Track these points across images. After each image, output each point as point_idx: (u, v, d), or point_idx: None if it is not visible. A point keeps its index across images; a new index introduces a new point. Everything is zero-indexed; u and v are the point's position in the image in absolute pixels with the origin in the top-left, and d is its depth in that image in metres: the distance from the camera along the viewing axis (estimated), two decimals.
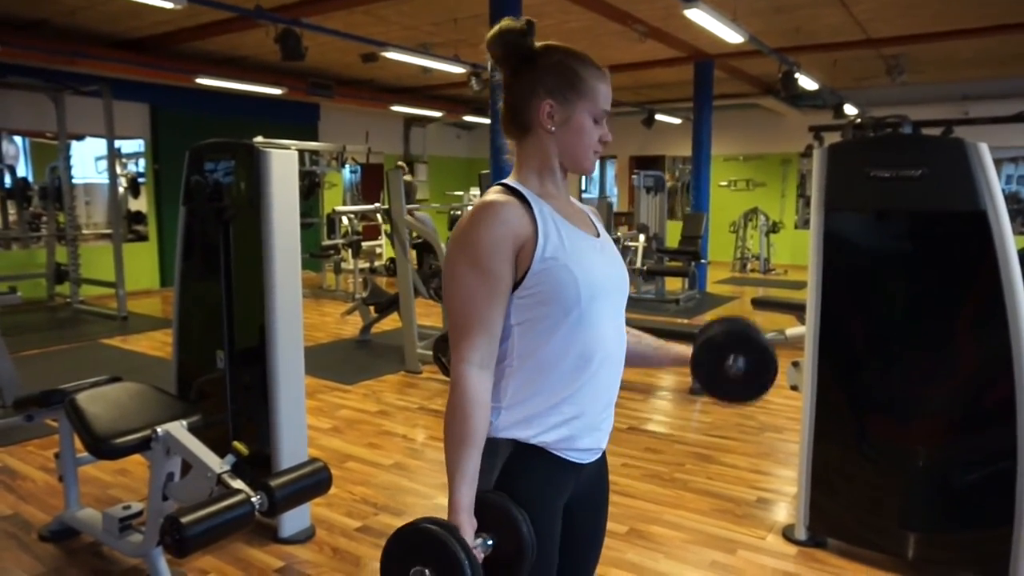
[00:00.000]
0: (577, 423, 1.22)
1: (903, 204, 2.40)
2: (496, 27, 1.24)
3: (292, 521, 2.80)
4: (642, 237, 8.53)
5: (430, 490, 3.32)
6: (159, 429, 2.32)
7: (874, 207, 2.48)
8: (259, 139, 8.15)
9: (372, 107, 11.32)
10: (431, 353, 5.12)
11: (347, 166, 12.81)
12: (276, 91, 8.86)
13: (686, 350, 1.48)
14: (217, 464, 2.22)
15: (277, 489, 2.12)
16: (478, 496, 1.15)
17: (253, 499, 2.06)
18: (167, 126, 9.28)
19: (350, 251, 8.65)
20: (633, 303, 8.44)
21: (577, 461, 1.24)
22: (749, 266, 11.67)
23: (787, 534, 2.81)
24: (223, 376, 2.91)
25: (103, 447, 2.29)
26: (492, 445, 1.20)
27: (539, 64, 1.23)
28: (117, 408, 2.45)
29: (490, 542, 1.13)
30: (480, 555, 1.10)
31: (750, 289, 9.61)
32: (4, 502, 3.16)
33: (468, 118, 12.50)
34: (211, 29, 7.15)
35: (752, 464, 3.56)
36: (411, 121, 13.44)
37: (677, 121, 11.96)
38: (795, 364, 2.81)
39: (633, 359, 1.40)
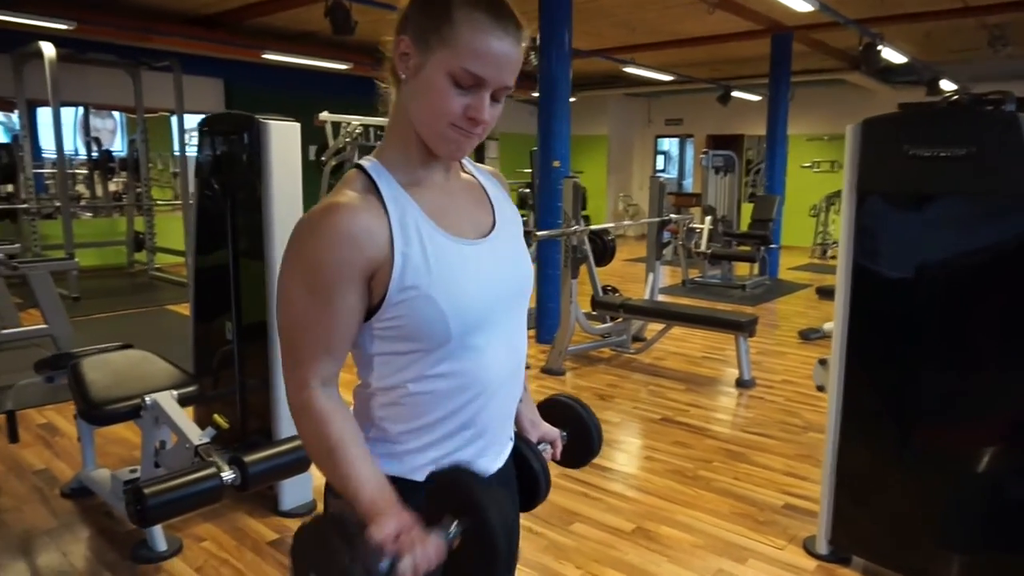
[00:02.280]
0: (460, 455, 1.03)
1: (946, 186, 2.11)
2: None
3: (293, 494, 2.80)
4: (708, 219, 8.17)
5: None
6: (148, 398, 2.34)
7: (913, 190, 2.19)
8: (324, 114, 8.28)
9: None
10: None
11: None
12: (342, 66, 8.94)
13: (531, 420, 1.28)
14: (196, 436, 2.21)
15: (250, 465, 2.09)
16: (434, 475, 0.96)
17: (224, 474, 2.04)
18: (240, 101, 9.53)
19: None
20: (698, 288, 8.13)
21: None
22: (829, 252, 11.01)
23: (807, 546, 2.58)
24: (231, 348, 2.92)
25: (95, 413, 2.34)
26: None
27: None
28: (115, 375, 2.49)
29: (456, 529, 0.90)
30: (442, 547, 0.89)
31: (830, 277, 9.06)
32: (40, 457, 3.32)
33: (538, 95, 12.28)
34: (276, 4, 7.24)
35: (787, 466, 3.31)
36: None
37: (756, 98, 11.34)
38: (822, 362, 2.56)
39: None
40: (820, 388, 2.59)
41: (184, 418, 2.29)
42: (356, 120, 8.50)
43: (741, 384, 4.51)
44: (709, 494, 3.03)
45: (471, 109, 0.91)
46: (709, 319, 4.58)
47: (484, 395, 1.02)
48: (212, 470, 2.02)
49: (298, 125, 2.70)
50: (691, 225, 8.30)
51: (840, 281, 2.41)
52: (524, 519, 2.57)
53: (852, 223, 2.36)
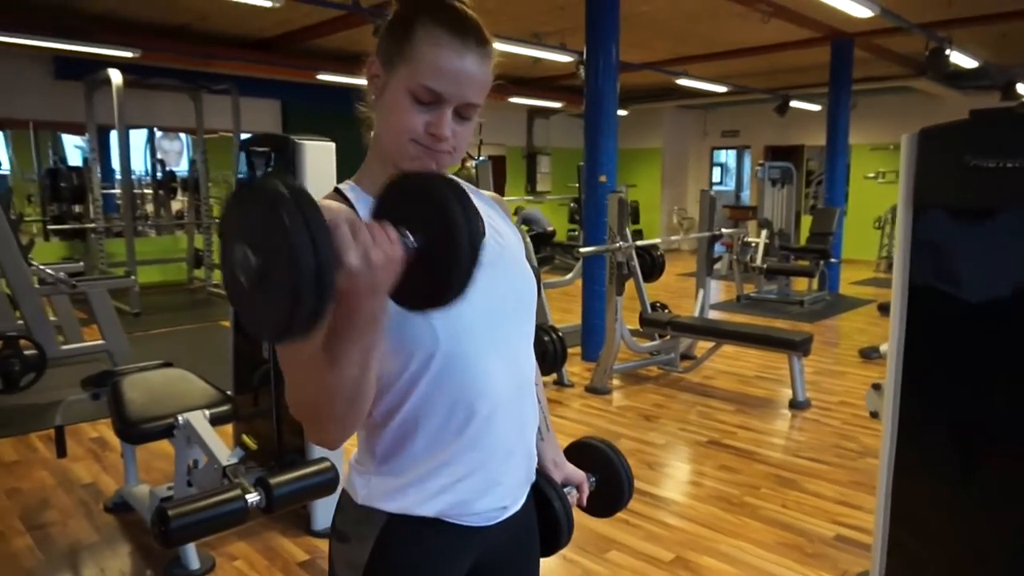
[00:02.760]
0: (465, 485, 0.97)
1: (1012, 200, 1.95)
2: None
3: (325, 514, 2.78)
4: (764, 233, 7.93)
5: None
6: (180, 417, 2.36)
7: (975, 203, 2.03)
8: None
9: (492, 99, 11.33)
10: None
11: (482, 158, 13.08)
12: None
13: (553, 459, 1.21)
14: (225, 456, 2.21)
15: (275, 487, 2.07)
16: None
17: (249, 496, 2.03)
18: (296, 121, 9.81)
19: None
20: (753, 304, 7.88)
21: (476, 525, 1.00)
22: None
23: None
24: (268, 366, 2.93)
25: (130, 431, 2.37)
26: (363, 514, 0.98)
27: (394, 15, 0.93)
28: (151, 394, 2.53)
29: (411, 243, 0.75)
30: (399, 250, 0.73)
31: None
32: (88, 471, 3.41)
33: None
34: (329, 27, 7.41)
35: (840, 494, 3.12)
36: (534, 113, 13.37)
37: (816, 108, 10.99)
38: (875, 387, 2.39)
39: None
40: (873, 414, 2.42)
41: (214, 438, 2.30)
42: None
43: (795, 406, 4.31)
44: (755, 523, 2.88)
45: (431, 125, 0.89)
46: (760, 337, 4.41)
47: (487, 414, 0.96)
48: (237, 492, 2.01)
49: (332, 145, 2.71)
50: (746, 239, 8.08)
51: (895, 300, 2.25)
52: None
53: (908, 239, 2.20)
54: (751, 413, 4.25)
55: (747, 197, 14.36)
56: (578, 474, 1.23)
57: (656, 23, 7.48)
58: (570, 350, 5.42)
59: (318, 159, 2.64)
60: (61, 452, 3.06)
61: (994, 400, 2.06)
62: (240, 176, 3.03)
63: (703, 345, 5.16)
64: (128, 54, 6.75)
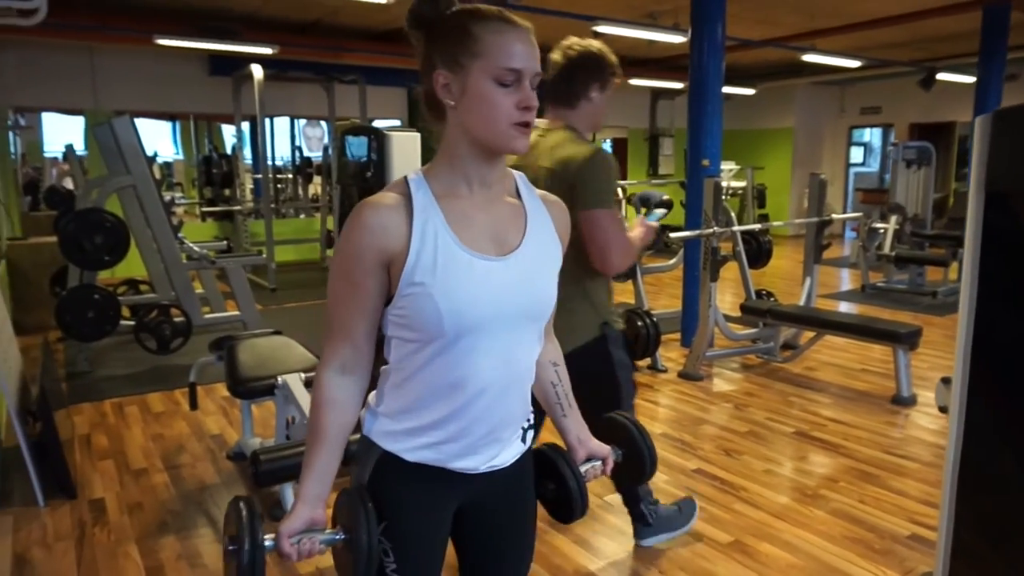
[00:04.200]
0: (446, 448, 1.14)
1: None
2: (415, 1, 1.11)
3: None
4: (893, 219, 7.43)
5: None
6: (280, 378, 2.69)
7: None
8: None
9: None
10: None
11: (606, 141, 13.08)
12: None
13: (578, 436, 1.35)
14: None
15: (352, 443, 2.34)
16: (341, 492, 1.15)
17: None
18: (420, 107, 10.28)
19: None
20: (879, 294, 7.43)
21: (462, 472, 1.17)
22: None
23: None
24: None
25: (239, 388, 2.74)
26: (367, 443, 1.19)
27: (435, 32, 1.08)
28: (259, 357, 2.89)
29: (339, 536, 1.12)
30: (320, 548, 1.11)
31: None
32: (217, 424, 3.91)
33: None
34: None
35: (924, 493, 3.00)
36: (658, 94, 13.12)
37: (969, 80, 10.02)
38: (945, 380, 2.30)
39: (541, 398, 1.34)
40: (943, 409, 2.33)
41: (307, 398, 2.61)
42: None
43: (897, 401, 4.10)
44: (825, 515, 2.84)
45: (521, 101, 1.05)
46: (862, 328, 4.22)
47: (472, 397, 1.11)
48: None
49: (417, 135, 2.94)
50: (873, 224, 7.61)
51: (965, 291, 2.16)
52: (619, 521, 2.61)
53: (979, 227, 2.10)
54: (848, 407, 4.10)
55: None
56: (603, 448, 1.35)
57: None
58: (671, 335, 5.45)
59: (404, 146, 2.87)
60: (193, 405, 3.55)
61: None
62: (344, 158, 3.32)
63: (809, 335, 4.99)
64: (268, 51, 7.40)
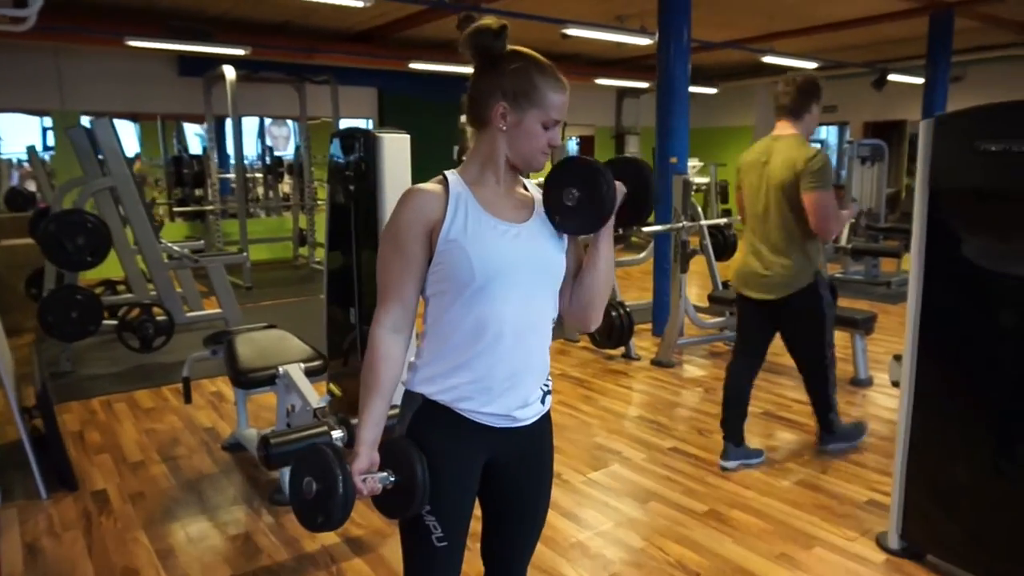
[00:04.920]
0: (472, 387, 1.34)
1: (1016, 182, 2.07)
2: (472, 27, 1.35)
3: None
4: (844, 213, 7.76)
5: None
6: (281, 368, 2.82)
7: (982, 186, 2.16)
8: (464, 117, 8.83)
9: (578, 80, 11.52)
10: None
11: (572, 139, 13.34)
12: None
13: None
14: (315, 400, 2.65)
15: (355, 426, 2.49)
16: (391, 440, 1.35)
17: (333, 432, 2.45)
18: (391, 107, 10.37)
19: None
20: (838, 285, 7.74)
21: (487, 424, 1.36)
22: None
23: (880, 540, 2.59)
24: (355, 330, 3.38)
25: (241, 379, 2.86)
26: (408, 396, 1.40)
27: (502, 68, 1.33)
28: (259, 349, 3.02)
29: (392, 478, 1.31)
30: (379, 487, 1.30)
31: None
32: (208, 417, 4.00)
33: None
34: (420, 18, 7.85)
35: (881, 464, 3.25)
36: (624, 93, 13.41)
37: (919, 80, 10.49)
38: (896, 358, 2.54)
39: (587, 299, 1.44)
40: (895, 384, 2.58)
41: (308, 386, 2.75)
42: None
43: (855, 383, 4.39)
44: (792, 485, 3.08)
45: (552, 139, 1.37)
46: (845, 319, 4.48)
47: (494, 338, 1.33)
48: (324, 428, 2.43)
49: (408, 137, 3.07)
50: None
51: (913, 277, 2.40)
52: (603, 495, 2.81)
53: (924, 220, 2.35)
54: None
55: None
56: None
57: (737, 1, 7.46)
58: (643, 326, 5.68)
59: (394, 148, 3.01)
60: (187, 399, 3.64)
61: (1006, 369, 2.19)
62: (333, 159, 3.44)
63: None
64: (240, 51, 7.44)
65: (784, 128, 2.96)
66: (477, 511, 1.47)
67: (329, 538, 2.69)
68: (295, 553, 2.60)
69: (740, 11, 8.02)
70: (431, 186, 1.36)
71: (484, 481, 1.44)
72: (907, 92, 11.04)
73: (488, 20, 1.34)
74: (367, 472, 1.30)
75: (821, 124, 14.12)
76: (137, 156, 9.18)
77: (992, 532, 2.25)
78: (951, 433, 2.37)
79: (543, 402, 1.44)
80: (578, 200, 1.36)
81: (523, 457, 1.45)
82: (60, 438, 3.11)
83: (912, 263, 2.40)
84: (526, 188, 1.46)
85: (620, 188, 1.39)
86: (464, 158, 1.43)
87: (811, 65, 9.86)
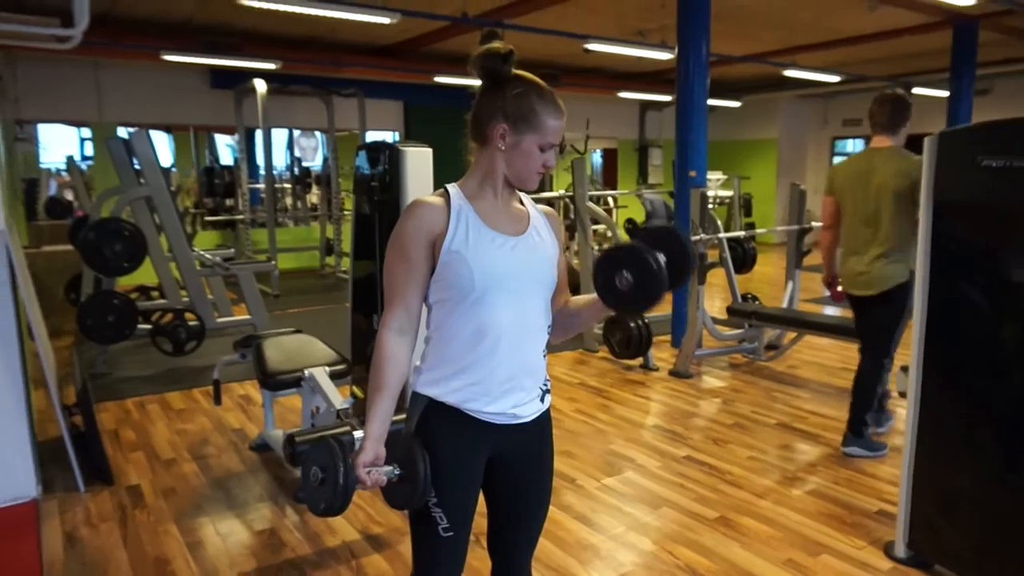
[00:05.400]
0: (473, 389, 1.43)
1: (1016, 197, 2.13)
2: (481, 49, 1.45)
3: None
4: None
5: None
6: (307, 371, 2.95)
7: (984, 200, 2.22)
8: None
9: (601, 93, 11.63)
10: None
11: (596, 152, 13.46)
12: None
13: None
14: (339, 402, 2.77)
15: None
16: (396, 436, 1.44)
17: (356, 433, 2.57)
18: (416, 119, 10.56)
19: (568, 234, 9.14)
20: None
21: (490, 421, 1.45)
22: None
23: (888, 549, 2.63)
24: None
25: (269, 381, 2.99)
26: (415, 397, 1.49)
27: (505, 91, 1.41)
28: (286, 353, 3.15)
29: (397, 471, 1.41)
30: (383, 479, 1.39)
31: None
32: (237, 419, 4.15)
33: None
34: (445, 33, 8.02)
35: (894, 476, 3.28)
36: (647, 106, 13.49)
37: (944, 94, 10.44)
38: (904, 369, 2.59)
39: (570, 326, 1.58)
40: (902, 394, 2.62)
41: (332, 388, 2.87)
42: None
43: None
44: (803, 494, 3.13)
45: (547, 161, 1.46)
46: (838, 328, 4.51)
47: (493, 343, 1.42)
48: (347, 428, 2.56)
49: (430, 151, 3.19)
50: None
51: (919, 289, 2.46)
52: (616, 500, 2.90)
53: (929, 233, 2.41)
54: (827, 401, 4.40)
55: None
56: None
57: (757, 15, 7.52)
58: (663, 337, 5.75)
59: (416, 162, 3.13)
60: (217, 401, 3.79)
61: (1011, 380, 2.24)
62: (359, 171, 3.58)
63: (791, 335, 5.29)
64: (271, 65, 7.66)
65: (881, 141, 3.28)
66: (483, 508, 1.57)
67: (350, 534, 2.80)
68: (317, 548, 2.71)
69: (761, 25, 8.08)
70: (434, 199, 1.45)
71: (488, 476, 1.53)
72: (932, 106, 10.95)
73: (497, 45, 1.42)
74: (372, 465, 1.38)
75: (846, 137, 14.09)
76: (171, 168, 9.46)
77: (997, 542, 2.28)
78: (957, 444, 2.41)
79: (542, 400, 1.53)
80: (632, 284, 1.38)
81: (525, 452, 1.54)
82: (98, 435, 3.26)
83: (918, 275, 2.46)
84: (522, 202, 1.55)
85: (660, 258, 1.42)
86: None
87: (834, 79, 9.88)
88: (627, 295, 1.40)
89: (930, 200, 2.38)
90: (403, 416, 1.53)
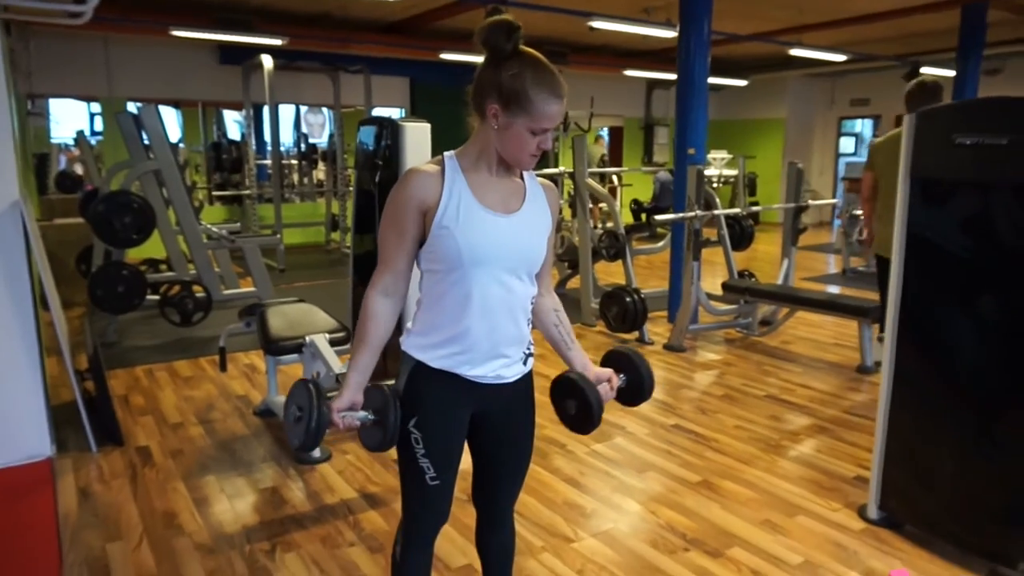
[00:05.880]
0: (459, 358, 1.51)
1: (988, 174, 2.20)
2: (488, 20, 1.40)
3: None
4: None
5: (543, 420, 3.73)
6: (308, 338, 3.07)
7: (959, 177, 2.30)
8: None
9: (607, 72, 11.62)
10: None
11: (602, 130, 13.48)
12: None
13: (583, 364, 1.67)
14: (338, 367, 2.89)
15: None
16: (373, 386, 1.53)
17: None
18: (422, 96, 10.59)
19: (571, 211, 9.22)
20: (859, 277, 7.85)
21: (475, 380, 1.54)
22: None
23: (861, 511, 2.75)
24: None
25: (271, 347, 3.12)
26: (405, 356, 1.57)
27: (503, 68, 1.39)
28: (288, 321, 3.27)
29: (371, 417, 1.51)
30: (356, 423, 1.49)
31: None
32: (241, 386, 4.29)
33: (710, 79, 12.16)
34: (452, 10, 8.04)
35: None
36: (654, 84, 13.45)
37: (952, 74, 10.39)
38: (880, 339, 2.69)
39: (548, 338, 1.69)
40: (878, 364, 2.72)
41: (332, 354, 3.00)
42: None
43: (861, 370, 4.51)
44: (785, 461, 3.24)
45: (541, 145, 1.45)
46: (831, 304, 4.61)
47: (478, 314, 1.49)
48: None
49: (428, 126, 3.28)
50: (855, 212, 7.99)
51: (895, 262, 2.55)
52: (604, 465, 3.03)
53: (906, 208, 2.49)
54: (816, 375, 4.50)
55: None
56: (605, 372, 1.69)
57: None
58: (660, 313, 5.85)
59: (415, 137, 3.23)
60: (223, 367, 3.93)
61: (982, 352, 2.33)
62: (361, 146, 3.67)
63: (785, 311, 5.38)
64: (278, 41, 7.73)
65: None
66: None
67: (348, 493, 2.94)
68: (317, 505, 2.85)
69: (769, 4, 8.05)
70: (429, 168, 1.48)
71: (472, 430, 1.63)
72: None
73: (506, 17, 1.39)
74: (347, 410, 1.47)
75: (853, 117, 14.03)
76: (179, 143, 9.58)
77: (966, 503, 2.39)
78: (928, 409, 2.51)
79: (525, 364, 1.61)
80: (575, 414, 1.60)
81: (508, 409, 1.63)
82: (109, 398, 3.41)
83: (894, 250, 2.54)
84: (521, 176, 1.56)
85: (615, 381, 1.67)
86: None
87: (841, 58, 9.84)
88: (572, 419, 1.61)
89: (907, 177, 2.46)
90: (392, 381, 1.63)
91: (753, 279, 5.84)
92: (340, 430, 1.48)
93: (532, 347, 1.64)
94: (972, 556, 2.42)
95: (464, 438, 1.64)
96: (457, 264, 1.45)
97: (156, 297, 5.30)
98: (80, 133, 8.99)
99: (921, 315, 2.50)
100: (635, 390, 1.71)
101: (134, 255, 6.26)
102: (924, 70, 10.10)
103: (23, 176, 3.63)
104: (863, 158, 14.77)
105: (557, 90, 1.40)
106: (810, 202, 5.64)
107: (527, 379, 1.65)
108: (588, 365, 1.68)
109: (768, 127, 13.51)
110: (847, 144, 14.46)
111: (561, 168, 6.03)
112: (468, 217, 1.45)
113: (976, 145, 2.20)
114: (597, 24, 7.09)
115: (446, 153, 1.53)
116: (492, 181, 1.51)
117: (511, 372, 1.58)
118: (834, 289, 7.29)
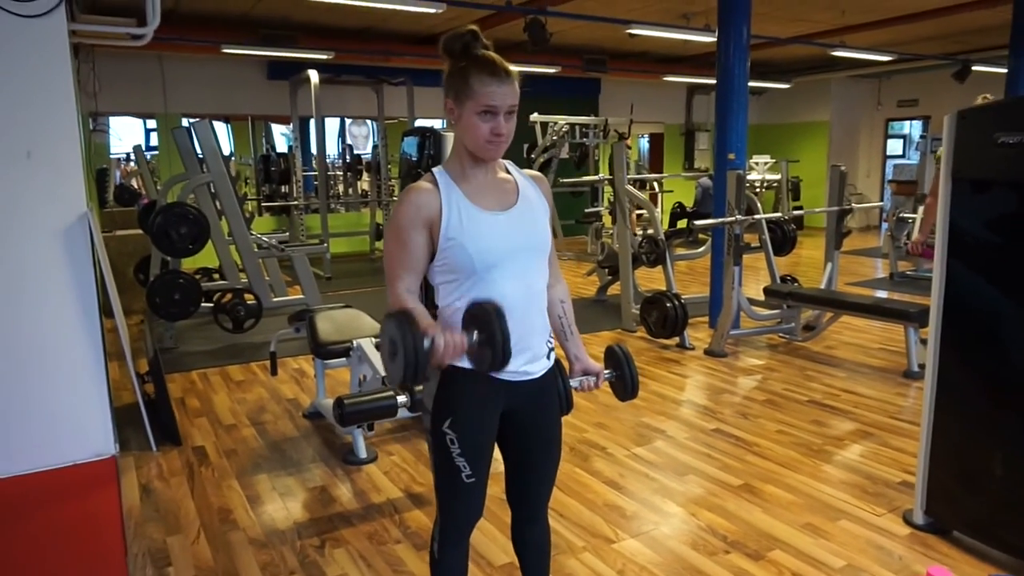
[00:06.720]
0: None
1: None
2: (447, 34, 1.51)
3: None
4: (921, 209, 7.63)
5: (584, 424, 3.76)
6: (355, 342, 3.18)
7: (1002, 176, 2.28)
8: (534, 115, 9.11)
9: (647, 78, 11.62)
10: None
11: (642, 137, 13.48)
12: (551, 70, 9.70)
13: (575, 354, 1.77)
14: (384, 370, 2.99)
15: (416, 392, 2.82)
16: (470, 307, 1.50)
17: (399, 398, 2.78)
18: None
19: (612, 217, 9.23)
20: (907, 282, 7.67)
21: (504, 379, 1.59)
22: None
23: (906, 517, 2.72)
24: None
25: (320, 350, 3.24)
26: None
27: (452, 69, 1.49)
28: (336, 325, 3.39)
29: (476, 336, 1.45)
30: (464, 343, 1.44)
31: None
32: (291, 390, 4.44)
33: (752, 83, 12.05)
34: (490, 21, 8.17)
35: None
36: (694, 89, 13.38)
37: (1004, 71, 10.10)
38: (923, 342, 2.66)
39: (551, 327, 1.74)
40: (921, 367, 2.69)
41: (378, 358, 3.09)
42: (562, 120, 9.22)
43: (908, 375, 4.43)
44: (828, 466, 3.22)
45: (493, 129, 1.49)
46: (875, 308, 4.55)
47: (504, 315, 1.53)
48: (391, 393, 2.75)
49: None
50: (902, 215, 7.83)
51: (937, 263, 2.53)
52: (644, 468, 3.07)
53: (947, 208, 2.47)
54: (861, 380, 4.44)
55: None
56: (594, 366, 1.79)
57: None
58: (701, 319, 5.83)
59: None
60: (273, 371, 4.08)
61: (1018, 354, 2.30)
62: (405, 156, 3.79)
63: (828, 316, 5.31)
64: (323, 56, 7.96)
65: None
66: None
67: (394, 492, 3.04)
68: (364, 504, 2.95)
69: (811, 6, 7.98)
70: (426, 184, 1.53)
71: (502, 427, 1.68)
72: (991, 84, 10.59)
73: (467, 28, 1.49)
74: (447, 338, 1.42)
75: (901, 119, 13.72)
76: (231, 156, 9.92)
77: (1015, 510, 2.36)
78: (975, 412, 2.48)
79: (548, 357, 1.68)
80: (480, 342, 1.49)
81: (535, 403, 1.68)
82: (168, 400, 3.57)
83: (936, 252, 2.53)
84: (508, 171, 1.63)
85: (602, 375, 1.77)
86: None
87: (886, 58, 9.66)
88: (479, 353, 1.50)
89: (949, 177, 2.45)
90: (420, 388, 1.69)
91: (796, 284, 5.78)
92: (445, 360, 1.46)
93: (552, 340, 1.71)
94: (1023, 562, 2.37)
95: (495, 436, 1.69)
96: (471, 271, 1.51)
97: (210, 304, 5.51)
98: (137, 147, 9.38)
99: (965, 316, 2.48)
100: (622, 387, 1.82)
101: (188, 264, 6.51)
102: (977, 68, 9.85)
103: (89, 190, 3.83)
104: (912, 160, 14.47)
105: (496, 71, 1.44)
106: (854, 205, 5.56)
107: (552, 374, 1.70)
108: (581, 356, 1.79)
109: (812, 130, 13.31)
110: (895, 146, 14.14)
111: (601, 175, 6.07)
112: (472, 223, 1.51)
113: (1020, 144, 2.19)
114: (636, 31, 7.12)
115: (434, 168, 1.59)
116: (484, 184, 1.57)
117: (537, 368, 1.65)
118: (881, 294, 7.15)
